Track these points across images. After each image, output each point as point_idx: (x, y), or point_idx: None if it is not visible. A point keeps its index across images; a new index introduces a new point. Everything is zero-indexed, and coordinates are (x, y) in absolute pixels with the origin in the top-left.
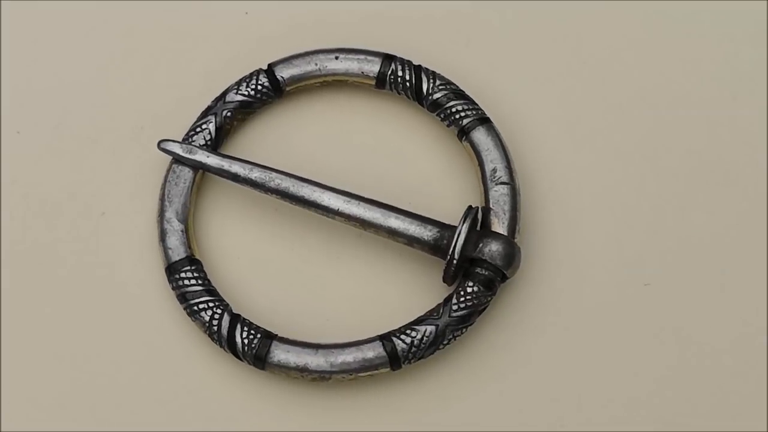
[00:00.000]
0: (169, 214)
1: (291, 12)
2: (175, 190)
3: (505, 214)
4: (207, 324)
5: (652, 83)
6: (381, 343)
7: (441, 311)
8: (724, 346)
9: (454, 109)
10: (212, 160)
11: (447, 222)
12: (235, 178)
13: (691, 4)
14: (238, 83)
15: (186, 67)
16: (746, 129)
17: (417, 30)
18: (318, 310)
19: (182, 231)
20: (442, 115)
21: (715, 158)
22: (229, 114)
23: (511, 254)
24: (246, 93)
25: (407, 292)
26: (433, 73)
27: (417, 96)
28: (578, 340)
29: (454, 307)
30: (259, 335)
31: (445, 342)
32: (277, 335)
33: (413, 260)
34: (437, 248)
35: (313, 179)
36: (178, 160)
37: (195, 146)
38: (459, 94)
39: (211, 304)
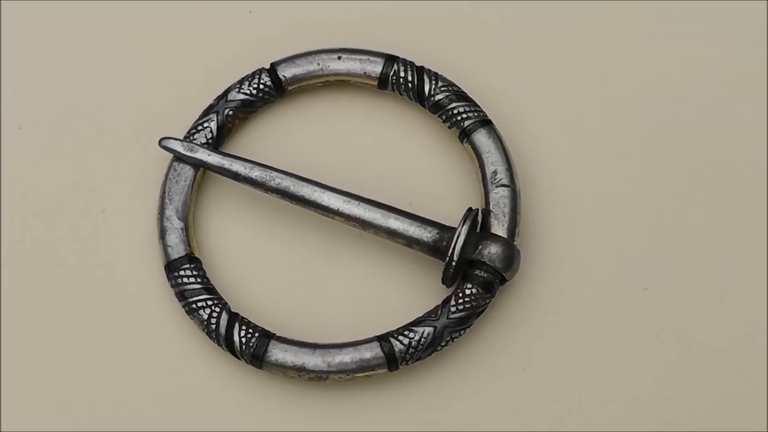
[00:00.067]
0: (170, 211)
1: (294, 12)
2: (176, 188)
3: (505, 216)
4: (205, 322)
5: (652, 83)
6: (379, 343)
7: (439, 313)
8: (724, 346)
9: (455, 111)
10: (213, 158)
11: (447, 224)
12: (235, 176)
13: (691, 4)
14: (241, 82)
15: (188, 66)
16: (746, 129)
17: (420, 31)
18: (317, 309)
19: (182, 229)
20: (443, 117)
21: (715, 158)
22: (230, 113)
23: (511, 257)
24: (248, 92)
25: (406, 293)
26: (435, 74)
27: (419, 97)
28: (578, 341)
29: (453, 309)
30: (257, 334)
31: (443, 344)
32: (274, 334)
33: (413, 261)
34: (436, 250)
35: (313, 179)
36: (179, 158)
37: (196, 144)
38: (461, 96)
39: (209, 303)
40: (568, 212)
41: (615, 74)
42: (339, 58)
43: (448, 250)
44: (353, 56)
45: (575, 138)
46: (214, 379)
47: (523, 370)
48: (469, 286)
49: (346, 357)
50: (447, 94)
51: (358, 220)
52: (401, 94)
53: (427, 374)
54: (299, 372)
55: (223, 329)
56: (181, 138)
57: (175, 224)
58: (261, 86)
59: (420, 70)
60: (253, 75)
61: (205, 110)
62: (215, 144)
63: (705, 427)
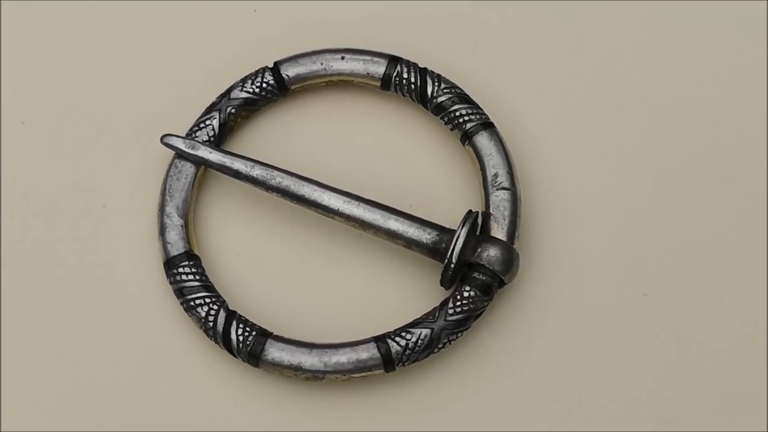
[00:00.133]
0: (170, 208)
1: (298, 11)
2: (177, 185)
3: (504, 219)
4: (203, 320)
5: (651, 83)
6: (375, 344)
7: (437, 315)
8: (724, 346)
9: (457, 113)
10: (214, 156)
11: (447, 226)
12: (236, 174)
13: (691, 4)
14: (244, 80)
15: (189, 65)
16: (746, 129)
17: (424, 32)
18: (315, 309)
19: (182, 226)
20: (445, 119)
21: (715, 158)
22: (233, 111)
23: (510, 260)
24: (251, 90)
25: (405, 295)
26: (439, 76)
27: (421, 99)
28: (578, 341)
29: (450, 311)
30: (254, 333)
31: (440, 346)
32: (272, 333)
33: (412, 263)
34: (436, 251)
35: (314, 179)
36: (180, 155)
37: (198, 142)
38: (463, 98)
39: (207, 300)
40: (569, 215)
41: (615, 74)
42: (342, 58)
43: (447, 252)
44: (357, 56)
45: (578, 143)
46: (211, 377)
47: (521, 374)
48: (468, 288)
49: (342, 357)
50: (449, 96)
51: (357, 220)
52: (404, 96)
53: (424, 376)
54: (296, 371)
55: (220, 327)
56: (183, 135)
57: (175, 221)
58: (264, 85)
59: (423, 72)
60: (256, 74)
61: (207, 108)
62: (217, 142)
63: (705, 427)
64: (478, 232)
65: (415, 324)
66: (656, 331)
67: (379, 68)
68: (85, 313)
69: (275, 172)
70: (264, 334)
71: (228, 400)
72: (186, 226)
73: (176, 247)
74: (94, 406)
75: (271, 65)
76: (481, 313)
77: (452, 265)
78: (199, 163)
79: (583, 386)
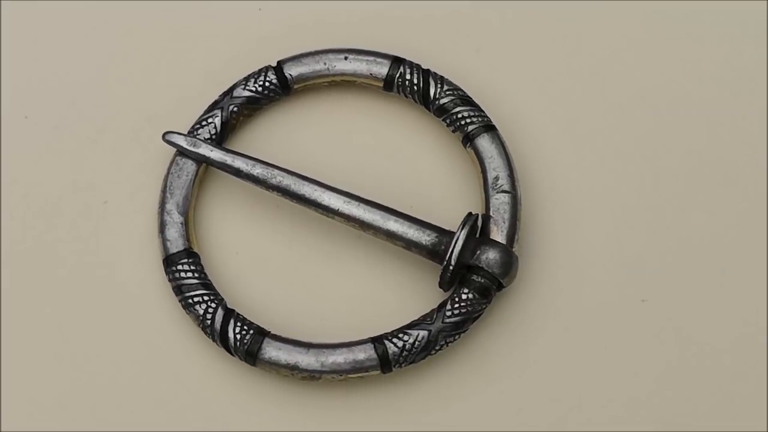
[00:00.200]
0: (170, 205)
1: (302, 10)
2: (177, 183)
3: (504, 222)
4: (201, 317)
5: (651, 83)
6: (373, 345)
7: (434, 317)
8: (724, 346)
9: (459, 115)
10: (215, 154)
11: (447, 228)
12: (237, 173)
13: (691, 4)
14: (246, 79)
15: (193, 63)
16: (746, 129)
17: (428, 33)
18: (313, 309)
19: (182, 223)
20: (447, 121)
21: (715, 158)
22: (235, 109)
23: (508, 263)
24: (253, 89)
25: (404, 296)
26: (441, 77)
27: (424, 100)
28: (578, 342)
29: (448, 313)
30: (251, 331)
31: (437, 348)
32: (269, 332)
33: (411, 264)
34: (435, 253)
35: (314, 178)
36: (181, 152)
37: (199, 139)
38: (466, 100)
39: (205, 298)
40: (569, 216)
41: (617, 75)
42: (346, 58)
43: (446, 254)
44: (360, 57)
45: (579, 141)
46: (208, 375)
47: (519, 377)
48: (466, 290)
49: (339, 357)
50: (452, 98)
51: (357, 220)
52: (406, 97)
53: (421, 377)
54: (292, 371)
55: (218, 325)
56: (185, 133)
57: (175, 218)
58: (267, 84)
59: (426, 73)
60: (259, 72)
61: (210, 106)
62: (219, 140)
63: (705, 427)
64: (477, 235)
65: (412, 325)
66: (656, 331)
67: (382, 69)
68: (85, 312)
69: (276, 171)
70: (261, 333)
71: (225, 398)
72: (186, 224)
73: (176, 245)
74: (94, 405)
75: (274, 64)
76: (479, 316)
77: (451, 267)
78: (201, 160)
79: (583, 386)
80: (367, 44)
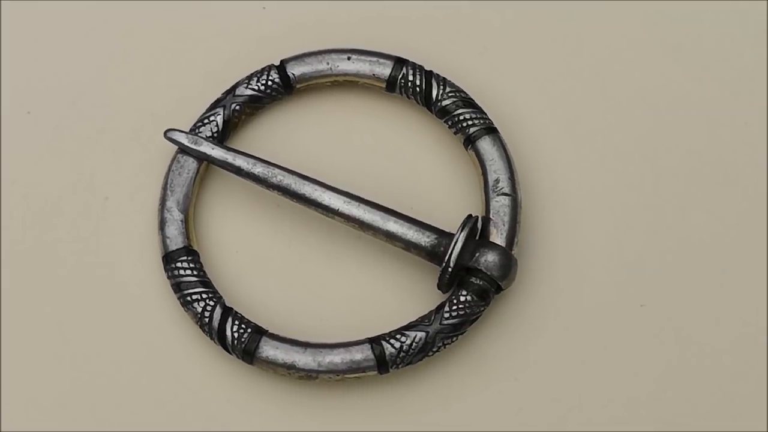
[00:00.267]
0: (170, 203)
1: (306, 10)
2: (178, 180)
3: (504, 225)
4: (199, 315)
5: (652, 83)
6: (370, 346)
7: (432, 318)
8: (724, 346)
9: (461, 117)
10: (217, 152)
11: (446, 229)
12: (238, 171)
13: (691, 4)
14: (249, 78)
15: (197, 62)
16: (746, 129)
17: (431, 33)
18: (312, 308)
19: (182, 221)
20: (449, 122)
21: (715, 158)
22: (237, 108)
23: (507, 265)
24: (256, 88)
25: (402, 297)
26: (444, 79)
27: (426, 101)
28: (578, 342)
29: (446, 315)
30: (249, 330)
31: (434, 349)
32: (267, 331)
33: (411, 265)
34: (434, 255)
35: (315, 178)
36: (183, 150)
37: (201, 137)
38: (468, 102)
39: (204, 296)
40: (569, 219)
41: (619, 76)
42: (349, 58)
43: (445, 256)
44: (363, 57)
45: (580, 144)
46: (206, 373)
47: (519, 377)
48: (464, 293)
49: (336, 357)
50: (454, 99)
51: (357, 221)
52: (409, 98)
53: (419, 378)
54: (289, 370)
55: (216, 323)
56: (187, 131)
57: (175, 216)
58: (269, 83)
59: (428, 75)
60: (262, 71)
61: (212, 104)
62: (220, 138)
63: (705, 427)
64: (477, 237)
65: (410, 327)
66: (656, 331)
67: (384, 70)
68: (85, 312)
69: (276, 170)
70: (259, 332)
71: (222, 396)
72: (186, 221)
73: (175, 242)
74: (94, 404)
75: (277, 63)
76: (477, 318)
77: (450, 269)
78: (202, 158)
79: (583, 386)
80: (370, 44)
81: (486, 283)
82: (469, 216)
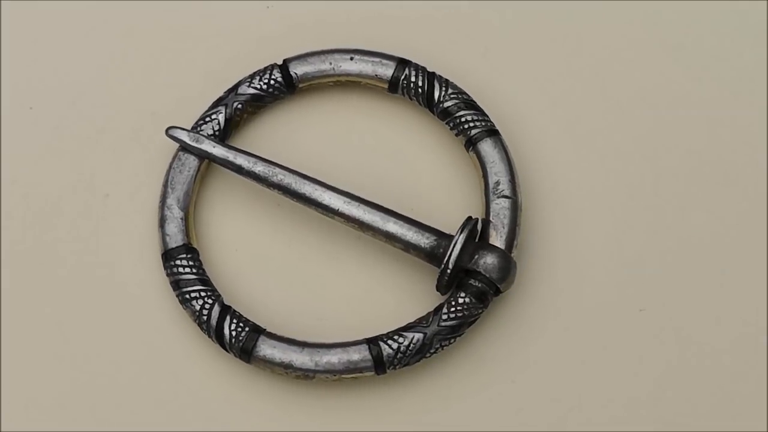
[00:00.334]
0: (171, 200)
1: (309, 10)
2: (179, 178)
3: (504, 227)
4: (197, 313)
5: (652, 84)
6: (367, 346)
7: (430, 319)
8: (724, 346)
9: (463, 119)
10: (218, 150)
11: (446, 231)
12: (239, 170)
13: (691, 4)
14: (252, 76)
15: (198, 61)
16: (746, 129)
17: (434, 34)
18: (311, 308)
19: (182, 219)
20: (451, 124)
21: (715, 158)
22: (239, 106)
23: (506, 268)
24: (258, 86)
25: (401, 298)
26: (446, 81)
27: (428, 103)
28: (577, 342)
29: (444, 317)
30: (247, 328)
31: (432, 351)
32: (265, 330)
33: (410, 266)
34: (433, 256)
35: (316, 177)
36: (184, 148)
37: (202, 135)
38: (470, 104)
39: (203, 294)
40: (570, 221)
41: (621, 77)
42: (351, 58)
43: (444, 258)
44: (366, 58)
45: (582, 145)
46: (203, 371)
47: (519, 377)
48: (463, 295)
49: (333, 357)
50: (456, 101)
51: (357, 221)
52: (411, 99)
53: (416, 380)
54: (286, 369)
55: (214, 321)
56: (189, 128)
57: (175, 213)
58: (272, 82)
59: (431, 76)
60: (264, 70)
61: (214, 102)
62: (222, 137)
63: (705, 427)
64: (477, 239)
65: (408, 328)
66: (656, 331)
67: (387, 70)
68: (85, 312)
69: (277, 169)
70: (257, 331)
71: (220, 395)
72: (186, 219)
73: (175, 240)
74: (93, 404)
75: (280, 63)
76: (475, 320)
77: (448, 271)
78: (203, 156)
79: (583, 386)
80: (372, 45)
81: (485, 286)
82: (469, 218)
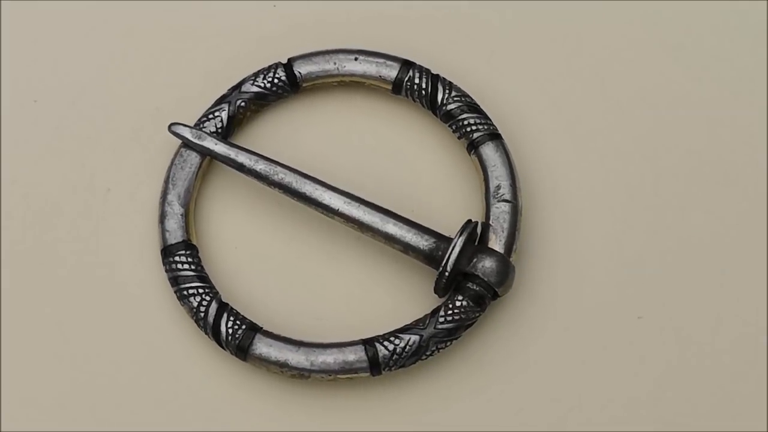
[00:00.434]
0: (171, 196)
1: (313, 9)
2: (180, 174)
3: (503, 231)
4: (194, 310)
5: (652, 84)
6: (364, 347)
7: (427, 322)
8: (724, 346)
9: (465, 122)
10: (220, 147)
11: (446, 233)
12: (240, 168)
13: (691, 4)
14: (256, 75)
15: (200, 60)
16: (746, 129)
17: (437, 35)
18: (309, 307)
19: (182, 215)
20: (453, 127)
21: (715, 158)
22: (242, 104)
23: (505, 272)
24: (262, 85)
25: (399, 300)
26: (450, 83)
27: (431, 105)
28: (577, 342)
29: (441, 320)
30: (243, 326)
31: (428, 353)
32: (261, 328)
33: (409, 268)
34: (432, 258)
35: (317, 177)
36: (186, 144)
37: (205, 132)
38: (473, 107)
39: (200, 291)
40: (570, 223)
41: (624, 78)
42: (356, 59)
43: (443, 260)
44: (370, 59)
45: (583, 147)
46: (201, 369)
47: (518, 378)
48: (460, 298)
49: (329, 357)
50: (459, 104)
51: (356, 221)
52: (414, 101)
53: (413, 381)
54: (282, 368)
55: (211, 318)
56: (192, 125)
57: (175, 209)
58: (275, 80)
59: (435, 78)
60: (268, 69)
61: (217, 100)
62: (224, 134)
63: (705, 427)
64: (476, 243)
65: (404, 329)
66: (656, 331)
67: (391, 72)
68: (85, 312)
69: (278, 168)
70: (253, 329)
71: (216, 393)
72: (186, 216)
73: (174, 236)
74: (93, 403)
75: (284, 61)
76: (472, 324)
77: (446, 273)
78: (205, 153)
79: (583, 387)
80: (376, 45)
81: (482, 289)
82: (469, 221)
